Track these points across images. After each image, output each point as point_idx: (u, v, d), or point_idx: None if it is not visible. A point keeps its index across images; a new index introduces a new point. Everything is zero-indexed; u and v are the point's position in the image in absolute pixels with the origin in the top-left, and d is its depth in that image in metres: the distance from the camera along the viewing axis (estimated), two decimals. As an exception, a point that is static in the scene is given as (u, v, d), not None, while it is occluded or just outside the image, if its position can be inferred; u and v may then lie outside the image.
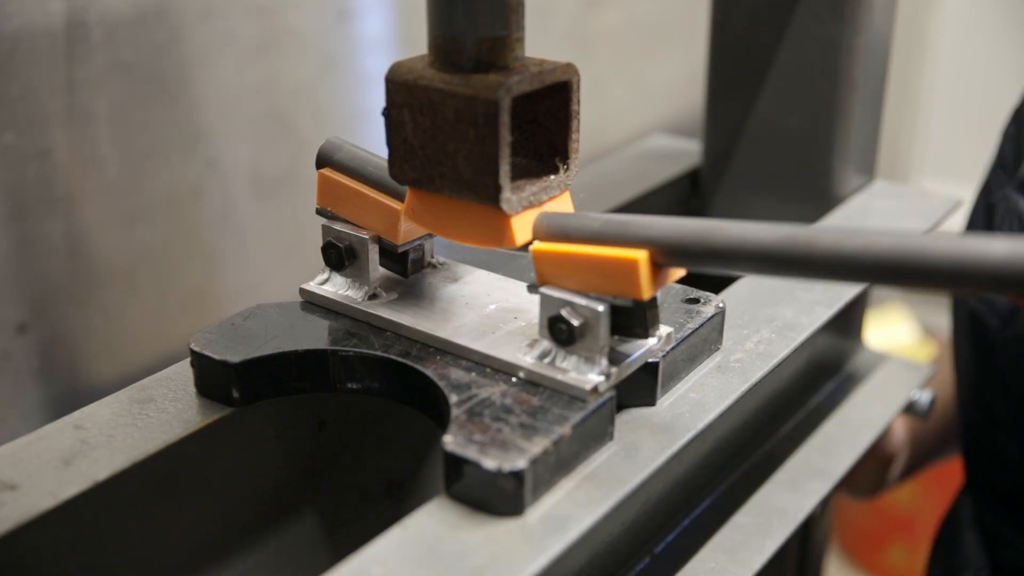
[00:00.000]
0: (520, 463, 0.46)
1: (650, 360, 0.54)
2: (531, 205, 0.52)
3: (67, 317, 0.79)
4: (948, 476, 1.19)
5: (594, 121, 1.22)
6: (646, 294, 0.49)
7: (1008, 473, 0.88)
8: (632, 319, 0.51)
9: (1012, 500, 0.88)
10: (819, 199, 0.86)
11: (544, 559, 0.45)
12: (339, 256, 0.60)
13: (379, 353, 0.56)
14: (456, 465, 0.47)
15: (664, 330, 0.55)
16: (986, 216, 0.88)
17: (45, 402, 0.79)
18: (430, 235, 0.61)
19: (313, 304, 0.61)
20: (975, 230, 0.90)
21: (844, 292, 0.67)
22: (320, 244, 0.60)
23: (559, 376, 0.52)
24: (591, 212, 0.52)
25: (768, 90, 0.85)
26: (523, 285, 0.61)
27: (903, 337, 1.93)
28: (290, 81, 0.89)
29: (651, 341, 0.54)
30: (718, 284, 0.64)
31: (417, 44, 0.55)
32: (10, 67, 0.71)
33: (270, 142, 0.89)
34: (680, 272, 0.51)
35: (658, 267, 0.49)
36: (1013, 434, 0.85)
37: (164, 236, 0.84)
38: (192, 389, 0.58)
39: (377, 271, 0.60)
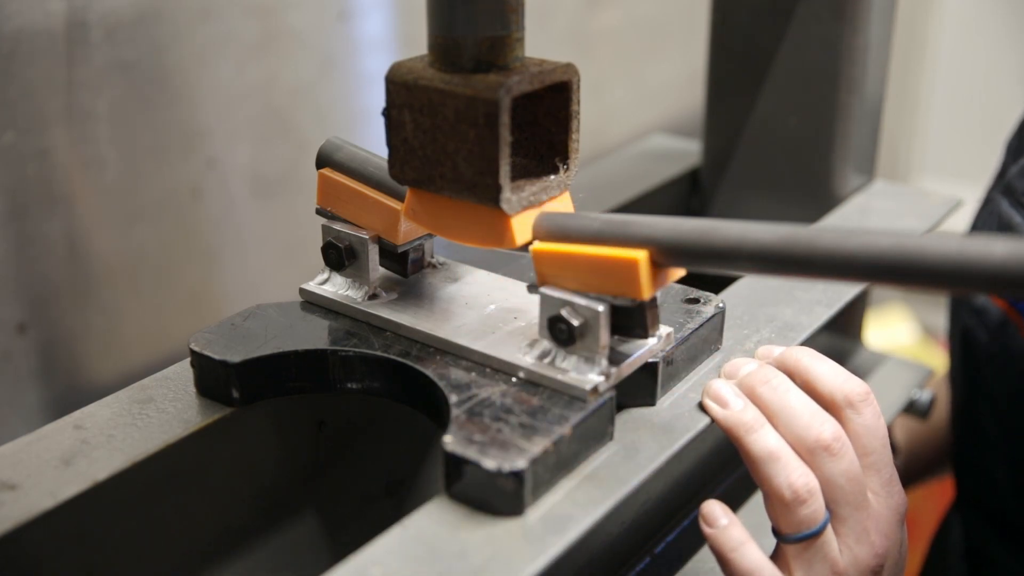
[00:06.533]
0: (520, 463, 0.46)
1: (650, 360, 0.54)
2: (531, 205, 0.52)
3: (67, 317, 0.79)
4: (947, 477, 1.19)
5: (594, 121, 1.22)
6: (646, 294, 0.49)
7: (997, 494, 0.86)
8: (632, 319, 0.51)
9: (1001, 521, 0.87)
10: (819, 199, 0.86)
11: (544, 559, 0.45)
12: (339, 256, 0.60)
13: (379, 353, 0.56)
14: (456, 465, 0.47)
15: (664, 330, 0.55)
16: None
17: (45, 402, 0.79)
18: (430, 235, 0.61)
19: (313, 304, 0.61)
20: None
21: (844, 292, 0.67)
22: (320, 244, 0.60)
23: (559, 376, 0.52)
24: (591, 212, 0.52)
25: (768, 90, 0.85)
26: (523, 285, 0.61)
27: (903, 337, 1.93)
28: (290, 81, 0.89)
29: (651, 341, 0.54)
30: (718, 284, 0.64)
31: (417, 44, 0.55)
32: (10, 67, 0.71)
33: (270, 142, 0.89)
34: (680, 272, 0.51)
35: (658, 267, 0.49)
36: (1002, 455, 0.84)
37: (164, 236, 0.83)
38: (192, 389, 0.58)
39: (377, 271, 0.60)
